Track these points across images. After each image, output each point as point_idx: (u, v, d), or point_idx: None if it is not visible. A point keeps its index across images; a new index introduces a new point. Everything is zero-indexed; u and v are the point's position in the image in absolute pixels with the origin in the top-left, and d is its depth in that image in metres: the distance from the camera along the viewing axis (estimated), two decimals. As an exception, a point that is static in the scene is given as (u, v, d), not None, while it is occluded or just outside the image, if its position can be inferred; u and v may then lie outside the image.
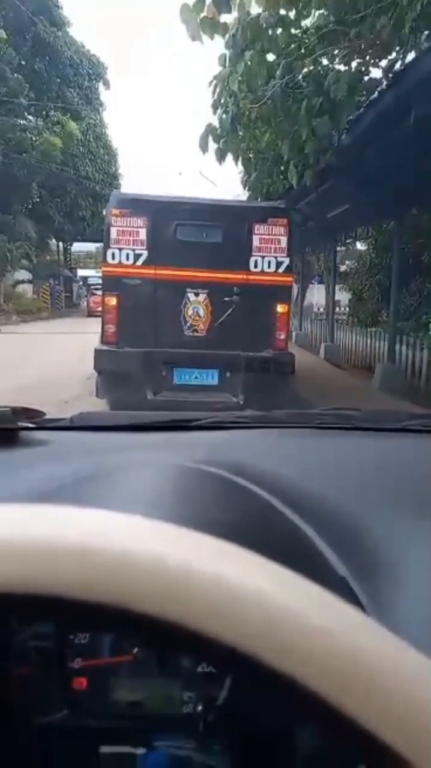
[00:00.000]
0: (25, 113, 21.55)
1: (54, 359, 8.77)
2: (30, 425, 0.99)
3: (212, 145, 5.39)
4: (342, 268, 14.74)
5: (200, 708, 0.60)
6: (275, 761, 0.56)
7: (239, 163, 6.09)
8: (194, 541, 0.27)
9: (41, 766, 0.55)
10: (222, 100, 5.13)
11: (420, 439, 1.06)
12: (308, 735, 0.56)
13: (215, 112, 5.29)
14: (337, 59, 5.09)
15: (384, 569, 0.63)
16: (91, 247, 29.43)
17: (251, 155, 6.26)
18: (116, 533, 0.26)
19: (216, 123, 5.28)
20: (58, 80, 23.83)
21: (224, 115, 5.18)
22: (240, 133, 5.50)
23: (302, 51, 4.64)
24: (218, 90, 5.12)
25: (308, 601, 0.25)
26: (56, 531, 0.25)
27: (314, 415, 1.15)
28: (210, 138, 5.28)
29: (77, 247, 30.35)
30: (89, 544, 0.24)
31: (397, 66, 5.21)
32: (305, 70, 4.87)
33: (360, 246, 14.41)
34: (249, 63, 4.52)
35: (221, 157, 5.43)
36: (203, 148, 5.27)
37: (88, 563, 0.24)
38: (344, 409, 1.17)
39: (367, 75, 5.58)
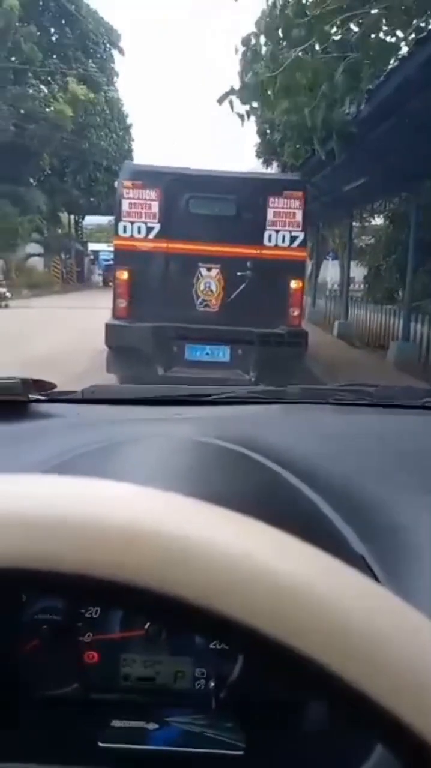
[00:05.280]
0: (37, 82, 21.20)
1: (66, 334, 8.77)
2: (40, 397, 0.97)
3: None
4: (358, 243, 14.50)
5: (212, 684, 0.59)
6: (288, 736, 0.55)
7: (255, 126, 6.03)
8: (204, 512, 0.25)
9: (52, 738, 0.55)
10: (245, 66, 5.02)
11: None
12: (320, 711, 0.55)
13: (243, 75, 5.17)
14: (363, 26, 4.93)
15: (403, 548, 0.61)
16: (102, 220, 29.16)
17: (266, 127, 6.14)
18: (123, 504, 0.24)
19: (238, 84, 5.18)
20: (75, 50, 23.42)
21: (246, 81, 5.06)
22: (256, 103, 5.38)
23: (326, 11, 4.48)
24: (245, 52, 5.01)
25: (322, 573, 0.23)
26: (63, 502, 0.23)
27: (331, 390, 1.12)
28: (233, 99, 5.17)
29: (88, 220, 30.10)
30: (93, 515, 0.23)
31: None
32: (332, 32, 4.72)
33: (376, 222, 14.14)
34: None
35: (243, 119, 5.33)
36: (221, 101, 5.15)
37: (90, 536, 0.22)
38: (361, 385, 1.14)
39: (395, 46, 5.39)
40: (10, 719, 0.56)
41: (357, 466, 0.79)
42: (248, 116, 5.45)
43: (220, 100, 5.25)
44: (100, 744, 0.52)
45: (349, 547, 0.59)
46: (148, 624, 0.61)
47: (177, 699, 0.60)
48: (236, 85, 5.25)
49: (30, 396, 0.94)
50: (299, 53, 4.51)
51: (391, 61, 5.05)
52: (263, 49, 4.59)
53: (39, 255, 23.46)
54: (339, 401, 1.05)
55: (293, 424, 0.97)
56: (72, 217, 27.64)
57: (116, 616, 0.62)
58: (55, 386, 1.01)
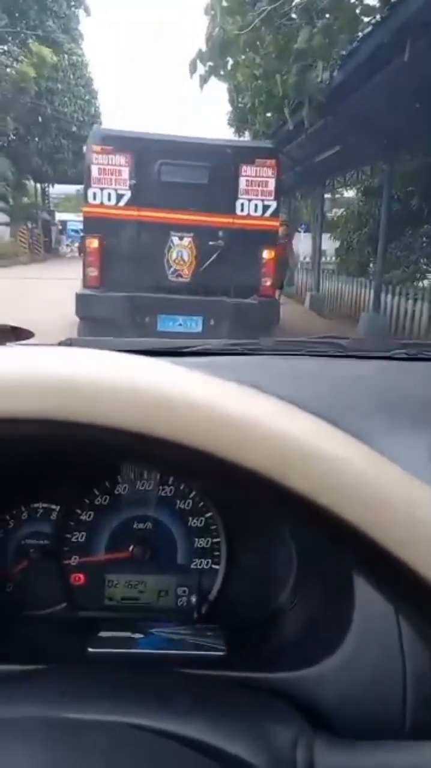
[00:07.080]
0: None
1: (36, 305, 8.62)
2: (18, 345, 0.98)
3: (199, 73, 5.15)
4: (330, 216, 14.49)
5: (194, 600, 0.63)
6: (265, 641, 0.59)
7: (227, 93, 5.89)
8: (194, 375, 0.29)
9: (43, 645, 0.58)
10: (212, 26, 4.89)
11: (404, 365, 1.09)
12: (295, 622, 0.60)
13: (207, 41, 5.04)
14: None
15: None
16: (70, 189, 28.40)
17: (236, 94, 6.02)
18: (122, 368, 0.27)
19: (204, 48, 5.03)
20: (36, 7, 22.30)
21: (212, 39, 4.93)
22: (229, 60, 5.23)
23: None
24: (210, 16, 4.87)
25: (307, 424, 0.27)
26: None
27: (305, 342, 1.16)
28: (199, 63, 5.03)
29: (56, 189, 29.27)
30: (80, 375, 0.26)
31: None
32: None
33: (348, 194, 14.15)
34: None
35: (203, 82, 5.18)
36: (192, 71, 5.02)
37: (97, 393, 0.25)
38: (333, 337, 1.18)
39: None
40: (3, 634, 0.59)
41: (329, 408, 0.83)
42: (207, 80, 5.30)
43: (191, 67, 5.10)
44: (90, 649, 0.55)
45: None
46: (132, 546, 0.64)
47: (161, 615, 0.64)
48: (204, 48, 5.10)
49: (7, 344, 0.94)
50: (268, 11, 4.40)
51: (364, 27, 5.00)
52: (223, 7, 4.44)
53: (5, 224, 22.77)
54: (313, 352, 1.09)
55: (269, 372, 1.00)
56: (39, 185, 26.79)
57: (101, 539, 0.65)
58: (33, 335, 1.01)
